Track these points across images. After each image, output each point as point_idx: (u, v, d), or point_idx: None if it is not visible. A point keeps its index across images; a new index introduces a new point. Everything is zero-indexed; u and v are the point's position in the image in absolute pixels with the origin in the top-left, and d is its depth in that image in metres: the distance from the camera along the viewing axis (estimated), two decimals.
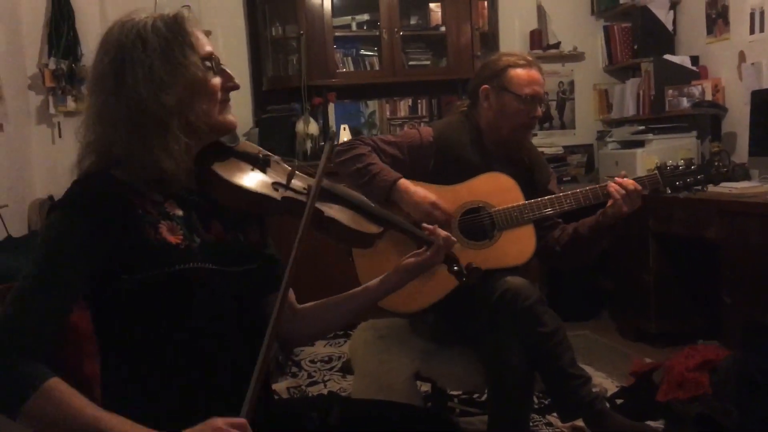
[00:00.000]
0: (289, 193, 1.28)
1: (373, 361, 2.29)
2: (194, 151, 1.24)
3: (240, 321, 1.25)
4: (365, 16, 4.49)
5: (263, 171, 1.30)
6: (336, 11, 4.37)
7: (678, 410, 2.45)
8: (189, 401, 1.19)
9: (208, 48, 1.25)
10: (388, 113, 4.70)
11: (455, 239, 1.48)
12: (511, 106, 2.18)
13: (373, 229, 1.39)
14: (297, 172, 1.34)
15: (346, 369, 3.33)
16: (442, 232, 1.45)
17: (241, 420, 1.06)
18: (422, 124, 4.59)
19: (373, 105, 4.69)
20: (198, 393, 1.19)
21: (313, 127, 4.30)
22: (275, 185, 1.28)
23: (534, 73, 2.20)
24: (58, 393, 1.03)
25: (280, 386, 3.20)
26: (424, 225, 1.47)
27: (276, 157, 1.36)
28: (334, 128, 4.46)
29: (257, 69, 4.47)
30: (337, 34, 4.39)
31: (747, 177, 3.42)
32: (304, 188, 1.31)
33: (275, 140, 4.27)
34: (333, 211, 1.34)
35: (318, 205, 1.27)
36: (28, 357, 1.04)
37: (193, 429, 1.05)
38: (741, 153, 3.66)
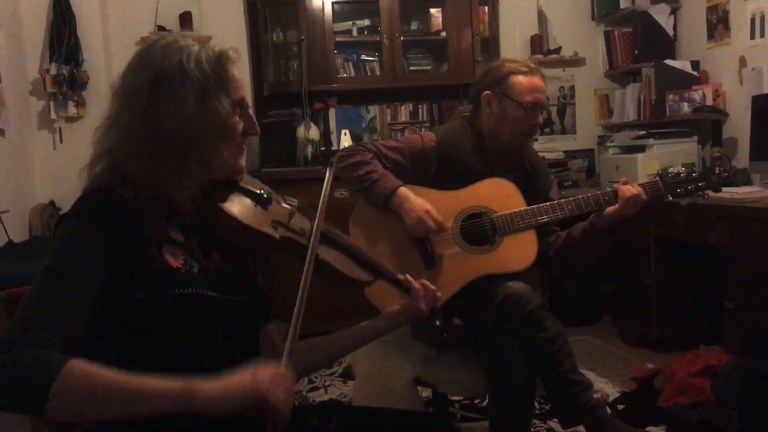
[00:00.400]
0: (288, 234, 1.31)
1: (374, 367, 2.28)
2: (203, 184, 1.25)
3: (233, 348, 1.25)
4: (366, 22, 4.50)
5: (265, 208, 1.33)
6: (337, 17, 4.38)
7: (679, 416, 2.44)
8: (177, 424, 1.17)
9: (242, 93, 1.27)
10: (388, 118, 4.70)
11: (440, 295, 1.50)
12: (513, 113, 2.18)
13: (364, 276, 1.43)
14: (297, 211, 1.38)
15: (347, 374, 3.33)
16: (426, 285, 1.48)
17: (283, 367, 1.10)
18: (423, 129, 4.60)
19: (373, 110, 4.69)
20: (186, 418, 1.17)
21: (314, 133, 4.30)
22: (275, 224, 1.31)
23: (536, 80, 2.20)
24: (81, 368, 1.02)
25: None
26: (401, 276, 1.49)
27: (277, 196, 1.39)
28: (335, 133, 4.47)
29: (258, 74, 4.48)
30: (337, 39, 4.40)
31: (748, 182, 3.42)
32: (303, 229, 1.34)
33: (276, 145, 4.28)
34: (328, 254, 1.37)
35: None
36: (44, 349, 1.02)
37: (235, 374, 1.07)
38: (742, 158, 3.66)
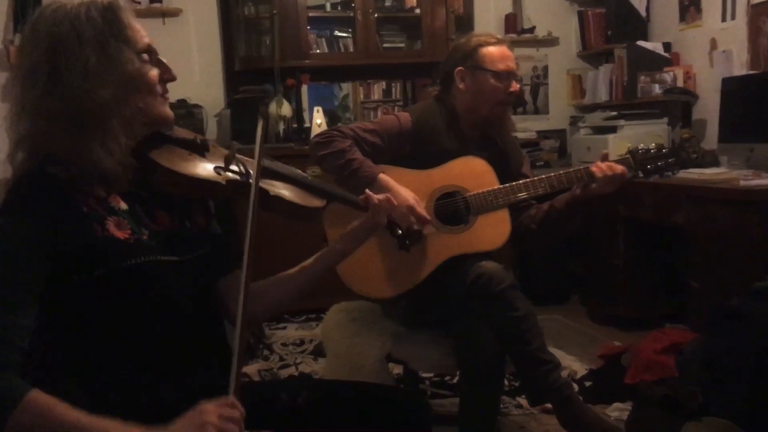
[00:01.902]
0: (234, 175, 1.28)
1: (345, 344, 2.29)
2: (132, 144, 1.20)
3: (196, 306, 1.24)
4: None
5: (202, 156, 1.28)
6: None
7: (644, 392, 2.48)
8: (154, 392, 1.17)
9: (146, 40, 1.21)
10: (361, 96, 4.67)
11: (394, 202, 1.46)
12: (488, 84, 2.18)
13: (317, 203, 1.40)
14: (236, 153, 1.32)
15: (318, 352, 3.33)
16: (379, 196, 1.43)
17: (231, 399, 1.05)
18: (396, 108, 4.59)
19: (346, 88, 4.66)
20: (162, 383, 1.18)
21: (286, 109, 4.26)
22: (217, 169, 1.27)
23: (505, 49, 2.23)
24: (40, 404, 0.99)
25: (252, 369, 3.18)
26: (362, 196, 1.45)
27: (212, 141, 1.35)
28: (307, 111, 4.42)
29: (229, 49, 4.41)
30: (310, 14, 4.34)
31: (716, 163, 3.46)
32: (247, 170, 1.30)
33: (247, 121, 4.22)
34: (277, 188, 1.34)
35: (262, 184, 1.26)
36: (1, 370, 0.99)
37: (184, 418, 1.02)
38: (711, 139, 3.70)
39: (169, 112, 1.25)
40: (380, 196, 1.44)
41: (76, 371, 1.18)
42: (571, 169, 2.16)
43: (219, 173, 1.26)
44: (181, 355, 1.20)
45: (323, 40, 4.49)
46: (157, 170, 1.20)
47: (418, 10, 4.47)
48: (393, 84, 4.70)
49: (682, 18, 4.07)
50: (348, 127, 2.22)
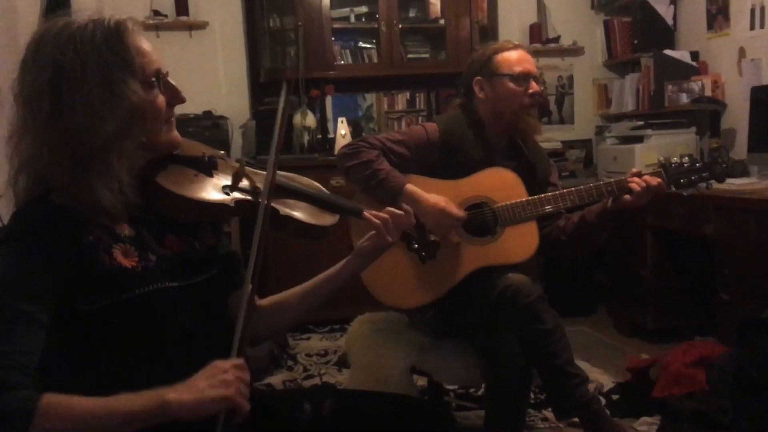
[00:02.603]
0: (241, 195, 1.24)
1: (370, 355, 2.28)
2: (134, 179, 1.17)
3: (206, 327, 1.23)
4: (363, 8, 4.47)
5: (210, 175, 1.24)
6: (334, 3, 4.35)
7: (674, 406, 2.45)
8: None
9: (155, 65, 1.17)
10: (385, 106, 4.68)
11: (407, 211, 1.43)
12: (506, 88, 2.18)
13: (329, 220, 1.37)
14: (246, 168, 1.29)
15: (342, 363, 3.33)
16: (381, 215, 1.41)
17: (241, 361, 1.09)
18: (420, 118, 4.59)
19: (370, 98, 4.67)
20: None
21: (311, 120, 4.28)
22: (225, 189, 1.23)
23: (521, 52, 2.22)
24: (55, 405, 0.99)
25: (276, 379, 3.19)
26: (365, 213, 1.42)
27: (221, 154, 1.30)
28: (331, 121, 4.44)
29: (255, 61, 4.45)
30: (335, 26, 4.37)
31: (746, 173, 3.41)
32: (255, 186, 1.25)
33: (272, 132, 4.25)
34: (288, 207, 1.30)
35: (272, 203, 1.21)
36: (11, 390, 0.98)
37: (203, 373, 1.06)
38: (740, 149, 3.66)
39: (174, 137, 1.22)
40: (383, 215, 1.41)
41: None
42: (601, 183, 2.13)
43: (227, 193, 1.22)
44: (187, 376, 1.19)
45: (347, 51, 4.51)
46: (162, 195, 1.17)
47: (442, 21, 4.47)
48: (417, 94, 4.71)
49: (710, 26, 4.02)
50: (375, 137, 2.22)
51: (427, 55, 4.59)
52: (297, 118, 4.25)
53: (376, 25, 4.39)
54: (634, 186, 2.05)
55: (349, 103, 4.65)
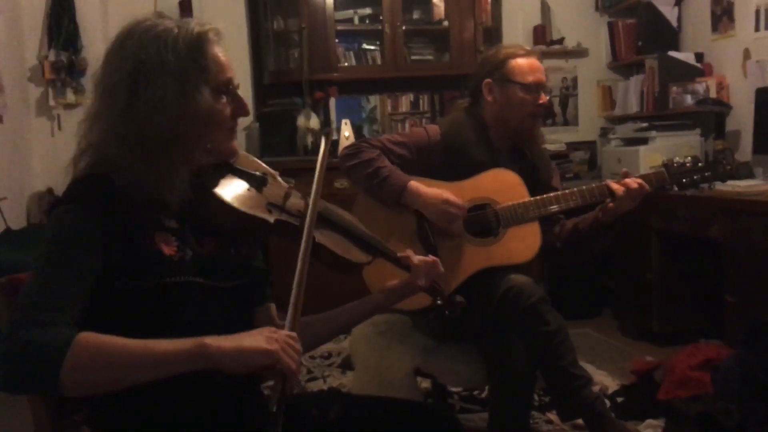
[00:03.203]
0: (283, 216, 1.29)
1: (374, 357, 2.27)
2: (192, 174, 1.23)
3: (227, 332, 1.21)
4: (367, 10, 4.47)
5: (259, 190, 1.29)
6: (338, 5, 4.35)
7: (679, 409, 2.44)
8: (172, 410, 1.18)
9: (228, 74, 1.23)
10: (389, 108, 4.68)
11: (441, 269, 1.48)
12: (516, 96, 2.17)
13: (362, 257, 1.40)
14: (294, 191, 1.34)
15: (346, 365, 3.32)
16: (420, 257, 1.46)
17: (294, 334, 1.10)
18: (424, 120, 4.59)
19: (374, 100, 4.67)
20: (180, 401, 1.17)
21: (314, 122, 4.28)
22: (270, 206, 1.28)
23: (534, 61, 2.21)
24: (91, 339, 1.01)
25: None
26: (402, 254, 1.47)
27: (273, 174, 1.36)
28: (335, 123, 4.44)
29: (258, 63, 4.45)
30: (339, 28, 4.37)
31: (751, 175, 3.40)
32: (299, 210, 1.31)
33: (276, 135, 4.26)
34: (324, 237, 1.34)
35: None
36: (48, 326, 1.02)
37: (254, 331, 1.08)
38: (745, 151, 3.64)
39: (233, 147, 1.28)
40: (422, 258, 1.46)
41: None
42: (603, 183, 2.13)
43: (270, 211, 1.27)
44: (205, 375, 1.20)
45: (351, 53, 4.52)
46: (210, 199, 1.22)
47: (446, 23, 4.47)
48: (421, 96, 4.71)
49: (715, 28, 4.01)
50: (376, 139, 2.22)
51: (431, 57, 4.59)
52: (301, 120, 4.25)
53: (379, 27, 4.39)
54: (614, 187, 2.05)
55: (353, 105, 4.65)
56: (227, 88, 1.23)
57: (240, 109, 1.26)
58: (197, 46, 1.19)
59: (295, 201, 1.33)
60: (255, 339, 1.06)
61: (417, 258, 1.46)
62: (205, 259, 1.24)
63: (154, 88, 1.15)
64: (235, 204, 1.22)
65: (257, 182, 1.30)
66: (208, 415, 1.20)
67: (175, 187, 1.19)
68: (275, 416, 1.06)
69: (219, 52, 1.23)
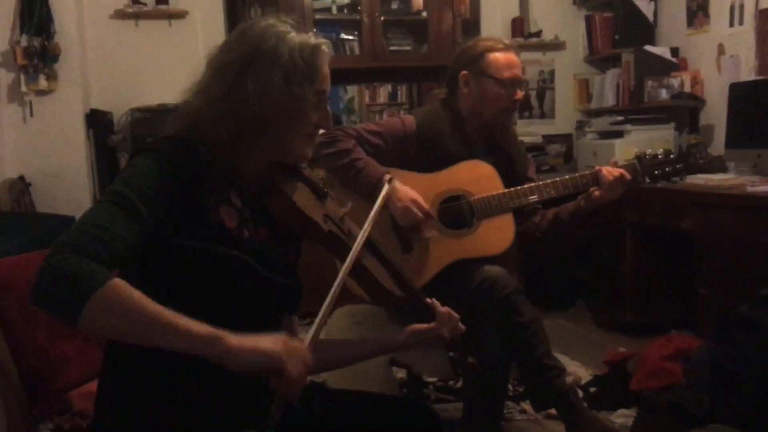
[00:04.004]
0: (336, 230, 1.35)
1: None
2: (269, 164, 1.31)
3: (256, 325, 1.22)
4: (345, 0, 4.44)
5: (321, 201, 1.38)
6: None
7: (650, 399, 2.46)
8: (199, 380, 1.20)
9: (326, 87, 1.31)
10: (367, 99, 4.66)
11: (462, 327, 1.50)
12: (491, 91, 2.17)
13: (396, 290, 1.44)
14: (348, 215, 1.43)
15: None
16: (450, 313, 1.49)
17: (305, 347, 1.12)
18: (402, 112, 4.58)
19: (352, 90, 4.65)
20: (202, 375, 1.19)
21: None
22: (326, 218, 1.35)
23: (512, 56, 2.20)
24: (124, 287, 1.04)
25: None
26: (437, 306, 1.50)
27: (333, 194, 1.44)
28: None
29: None
30: (317, 17, 4.34)
31: (724, 169, 3.45)
32: (350, 231, 1.38)
33: None
34: (369, 261, 1.39)
35: (359, 251, 1.33)
36: (90, 257, 1.04)
37: (266, 335, 1.09)
38: (718, 145, 3.69)
39: (309, 153, 1.34)
40: (447, 309, 1.49)
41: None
42: (576, 174, 2.15)
43: (325, 221, 1.33)
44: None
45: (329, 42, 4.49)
46: (278, 193, 1.29)
47: (424, 14, 4.46)
48: (399, 87, 4.69)
49: (690, 23, 4.05)
50: (352, 127, 2.22)
51: (409, 48, 4.58)
52: None
53: (358, 17, 4.37)
54: (604, 173, 2.06)
55: (331, 95, 4.60)
56: (321, 98, 1.30)
57: (325, 120, 1.33)
58: (312, 52, 1.28)
59: (348, 223, 1.42)
60: (266, 342, 1.08)
61: (445, 308, 1.49)
62: (259, 245, 1.30)
63: (262, 75, 1.23)
64: (299, 203, 1.29)
65: (320, 193, 1.38)
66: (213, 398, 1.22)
67: (256, 167, 1.27)
68: (271, 419, 1.09)
69: (326, 64, 1.31)
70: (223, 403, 1.23)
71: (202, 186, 1.22)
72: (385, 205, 2.10)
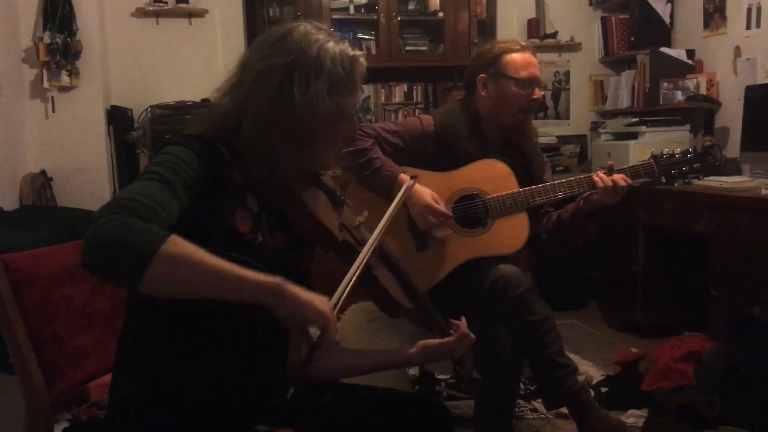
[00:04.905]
0: (350, 239, 1.35)
1: (363, 344, 2.30)
2: (294, 171, 1.29)
3: (270, 327, 1.24)
4: (363, 0, 4.47)
5: (337, 210, 1.38)
6: None
7: (661, 400, 2.48)
8: (199, 377, 1.22)
9: (358, 99, 1.32)
10: (383, 98, 4.69)
11: (473, 338, 1.51)
12: (510, 92, 2.18)
13: (405, 302, 1.45)
14: (363, 224, 1.43)
15: None
16: (466, 332, 1.50)
17: (333, 313, 1.14)
18: (417, 111, 4.60)
19: (368, 90, 4.67)
20: (208, 369, 1.22)
21: None
22: (341, 226, 1.35)
23: (529, 56, 2.21)
24: (184, 243, 1.04)
25: None
26: (453, 321, 1.52)
27: (350, 203, 1.45)
28: None
29: None
30: (334, 16, 4.37)
31: (738, 171, 3.45)
32: (365, 240, 1.36)
33: None
34: (380, 271, 1.40)
35: (370, 260, 1.32)
36: (147, 222, 1.05)
37: (308, 293, 1.12)
38: (733, 148, 3.69)
39: (332, 163, 1.35)
40: (465, 330, 1.50)
41: (148, 329, 1.23)
42: (591, 174, 2.15)
43: (340, 230, 1.34)
44: (242, 354, 1.24)
45: (346, 42, 4.51)
46: (296, 200, 1.29)
47: (441, 14, 4.48)
48: (414, 87, 4.71)
49: (707, 25, 4.05)
50: (370, 126, 2.23)
51: (425, 48, 4.60)
52: None
53: (375, 17, 4.40)
54: (596, 180, 2.07)
55: None
56: (353, 110, 1.31)
57: (352, 132, 1.34)
58: (351, 64, 1.28)
59: (364, 232, 1.41)
60: (319, 301, 1.12)
61: (464, 329, 1.50)
62: (272, 250, 1.29)
63: (306, 86, 1.22)
64: (315, 212, 1.29)
65: (337, 202, 1.39)
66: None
67: (283, 174, 1.25)
68: (299, 373, 1.13)
69: (360, 77, 1.31)
70: (235, 398, 1.24)
71: (221, 187, 1.21)
72: (403, 203, 2.13)
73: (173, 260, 1.01)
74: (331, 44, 1.26)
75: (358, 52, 1.30)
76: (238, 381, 1.25)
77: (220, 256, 1.14)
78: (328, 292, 1.21)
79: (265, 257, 1.23)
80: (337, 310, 1.17)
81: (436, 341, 1.50)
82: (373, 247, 1.30)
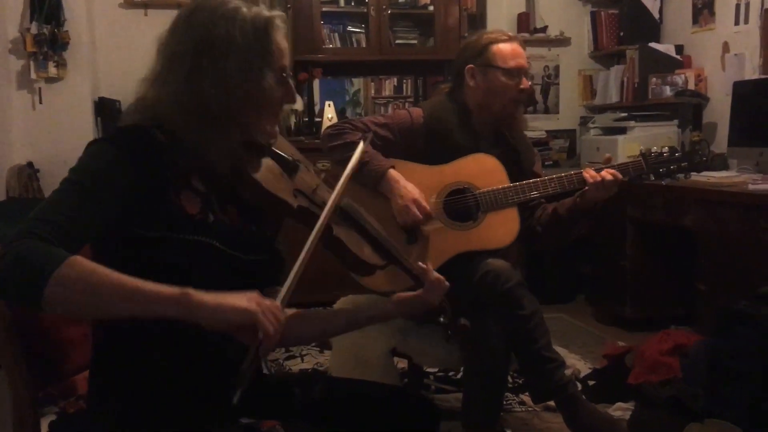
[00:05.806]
0: (307, 204, 1.32)
1: (351, 337, 2.30)
2: (234, 146, 1.26)
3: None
4: None
5: (290, 176, 1.33)
6: None
7: (648, 393, 2.49)
8: (177, 368, 1.21)
9: (285, 61, 1.27)
10: (373, 92, 4.68)
11: (447, 285, 1.46)
12: (498, 82, 2.19)
13: (375, 260, 1.41)
14: (323, 184, 1.38)
15: (323, 344, 3.35)
16: (437, 275, 1.44)
17: (278, 304, 1.11)
18: (407, 104, 4.60)
19: (358, 83, 4.67)
20: (185, 360, 1.21)
21: (298, 103, 4.27)
22: (296, 192, 1.31)
23: (516, 46, 2.22)
24: (84, 262, 1.03)
25: None
26: (419, 264, 1.46)
27: (307, 163, 1.39)
28: (318, 105, 4.44)
29: None
30: (324, 9, 4.36)
31: (725, 167, 3.47)
32: (325, 202, 1.31)
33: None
34: (342, 231, 1.36)
35: (330, 221, 1.29)
36: (53, 245, 1.04)
37: (238, 293, 1.08)
38: (721, 143, 3.71)
39: (275, 131, 1.31)
40: (437, 276, 1.44)
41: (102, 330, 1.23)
42: (582, 170, 2.16)
43: (296, 196, 1.30)
44: (205, 339, 1.19)
45: (336, 35, 4.51)
46: (243, 174, 1.26)
47: (431, 8, 4.47)
48: (404, 80, 4.71)
49: (695, 21, 4.06)
50: (360, 120, 2.23)
51: (415, 42, 4.60)
52: None
53: (365, 10, 4.39)
54: (586, 177, 2.09)
55: (337, 87, 4.65)
56: (281, 75, 1.26)
57: (289, 95, 1.29)
58: (265, 29, 1.23)
59: (322, 193, 1.36)
60: (238, 298, 1.07)
61: (434, 274, 1.45)
62: (227, 227, 1.27)
63: (217, 65, 1.19)
64: (264, 183, 1.26)
65: (290, 168, 1.33)
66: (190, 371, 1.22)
67: (222, 152, 1.22)
68: (244, 374, 1.07)
69: (282, 39, 1.26)
70: (210, 387, 1.23)
71: (161, 172, 1.18)
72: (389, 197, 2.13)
73: (69, 283, 1.00)
74: (243, 12, 1.22)
75: (274, 14, 1.26)
76: (210, 368, 1.23)
77: (174, 241, 1.16)
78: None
79: (222, 235, 1.22)
80: (280, 299, 1.13)
81: (410, 293, 1.45)
82: (331, 209, 1.26)
